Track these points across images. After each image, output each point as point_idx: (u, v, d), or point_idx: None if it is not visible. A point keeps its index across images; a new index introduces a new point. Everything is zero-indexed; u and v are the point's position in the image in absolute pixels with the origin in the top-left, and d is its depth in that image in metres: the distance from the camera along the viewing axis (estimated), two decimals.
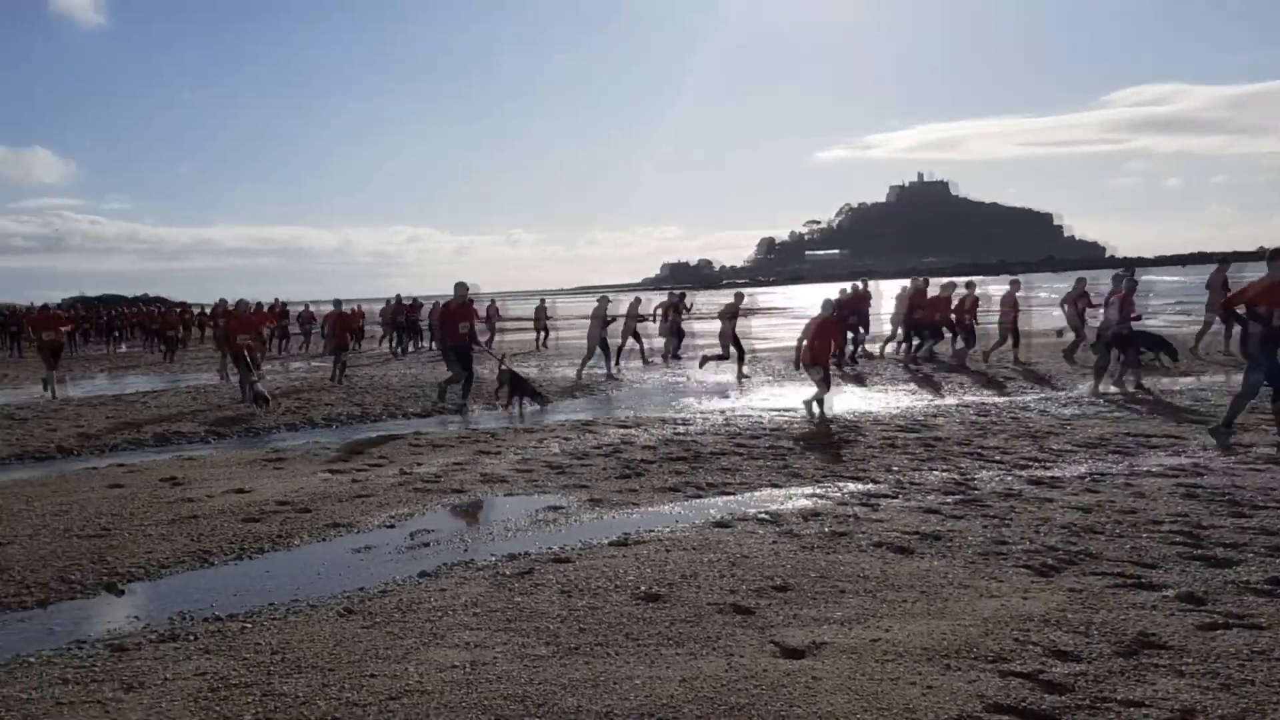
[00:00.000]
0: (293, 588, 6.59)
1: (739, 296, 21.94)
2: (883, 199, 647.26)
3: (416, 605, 5.94)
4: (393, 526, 8.21)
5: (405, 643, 5.31)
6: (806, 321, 14.87)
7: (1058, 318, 22.16)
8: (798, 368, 14.78)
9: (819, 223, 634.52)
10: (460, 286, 16.11)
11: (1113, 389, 14.80)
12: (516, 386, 15.80)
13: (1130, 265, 21.42)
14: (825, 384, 13.85)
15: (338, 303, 23.18)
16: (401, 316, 31.29)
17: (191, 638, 5.52)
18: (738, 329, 20.37)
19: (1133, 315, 15.21)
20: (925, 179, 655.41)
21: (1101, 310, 16.36)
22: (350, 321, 23.01)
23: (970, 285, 21.15)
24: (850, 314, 21.21)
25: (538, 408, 15.58)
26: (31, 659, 5.29)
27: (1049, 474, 9.08)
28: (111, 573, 7.00)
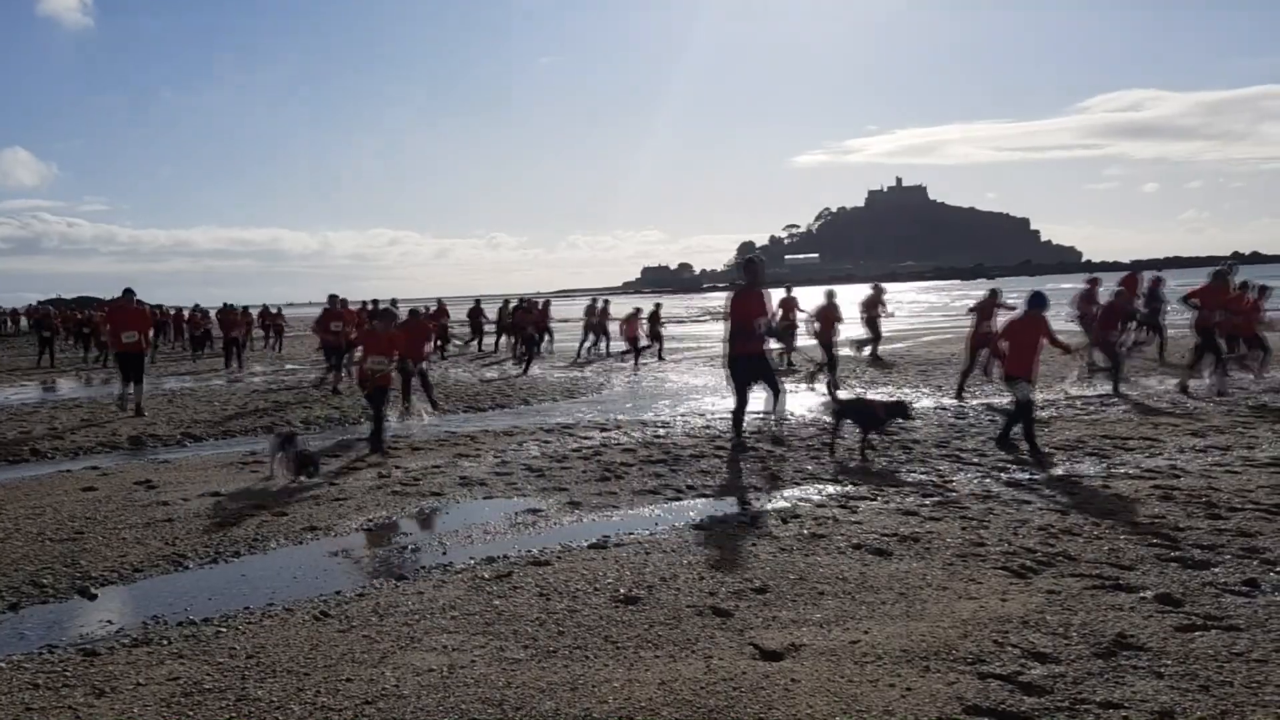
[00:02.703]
0: (268, 591, 6.53)
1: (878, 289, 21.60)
2: (861, 203, 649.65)
3: (393, 609, 5.89)
4: (370, 530, 8.16)
5: (381, 646, 5.27)
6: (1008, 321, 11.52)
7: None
8: (986, 374, 12.70)
9: (798, 227, 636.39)
10: (750, 265, 11.21)
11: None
12: (866, 420, 10.67)
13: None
14: (1028, 407, 10.49)
15: (414, 313, 17.26)
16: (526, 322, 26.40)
17: (164, 642, 5.46)
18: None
19: None
20: (903, 184, 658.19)
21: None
22: (423, 331, 17.37)
23: (1257, 289, 17.06)
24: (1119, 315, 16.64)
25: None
26: (1, 663, 5.22)
27: (1026, 476, 9.12)
28: (84, 576, 6.92)
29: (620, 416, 14.48)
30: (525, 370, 22.82)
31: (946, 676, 4.61)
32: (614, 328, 27.90)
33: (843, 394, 12.39)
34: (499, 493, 9.40)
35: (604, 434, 12.62)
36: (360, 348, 12.44)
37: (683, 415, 14.36)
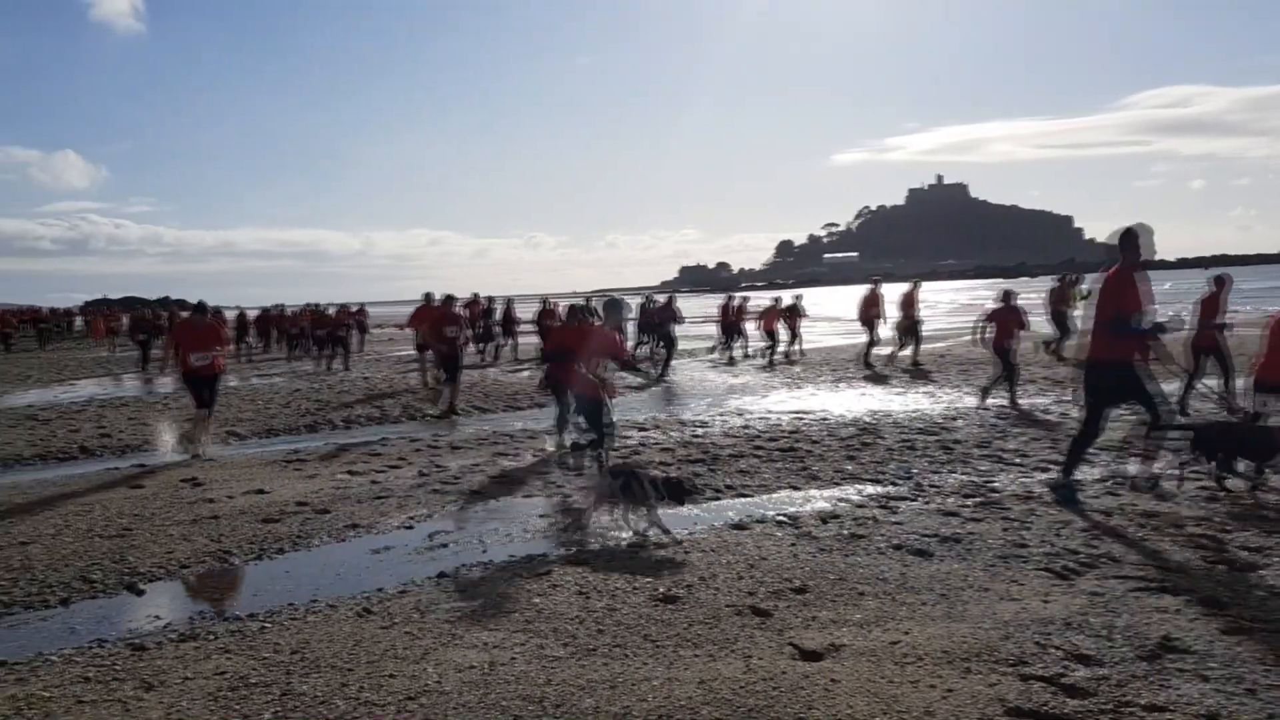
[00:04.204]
0: (311, 588, 6.61)
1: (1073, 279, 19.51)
2: (901, 202, 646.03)
3: (434, 606, 5.95)
4: (411, 528, 8.23)
5: (423, 643, 5.32)
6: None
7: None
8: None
9: (837, 226, 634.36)
10: (1129, 236, 7.98)
11: None
12: (1261, 451, 8.09)
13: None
14: None
15: (576, 310, 13.12)
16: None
17: (211, 637, 5.55)
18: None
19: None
20: (944, 182, 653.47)
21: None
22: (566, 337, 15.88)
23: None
24: None
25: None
26: (54, 657, 5.33)
27: (1070, 477, 9.00)
28: (132, 572, 7.04)
29: (658, 416, 14.49)
30: (663, 373, 20.81)
31: (988, 678, 4.58)
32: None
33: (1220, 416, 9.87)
34: (537, 491, 9.44)
35: (642, 433, 12.63)
36: (563, 350, 9.50)
37: (721, 415, 14.33)
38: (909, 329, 21.22)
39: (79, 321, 58.57)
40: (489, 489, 9.55)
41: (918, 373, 19.38)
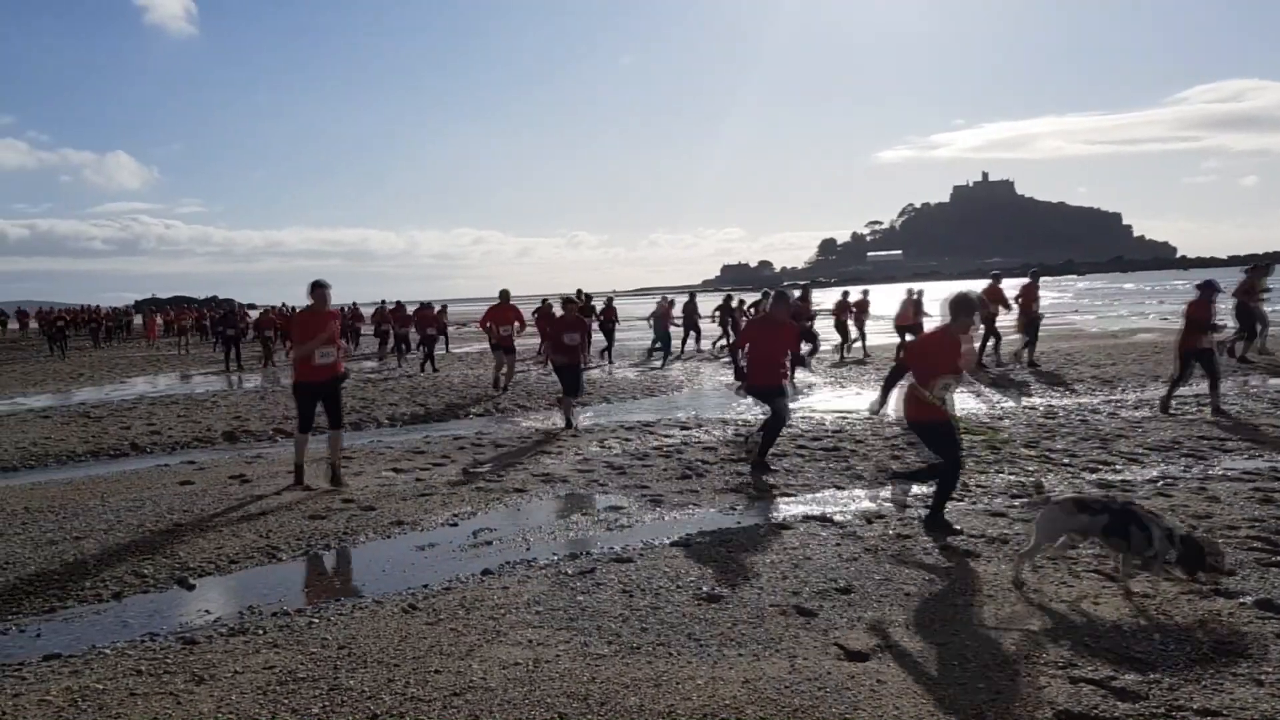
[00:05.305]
0: (358, 584, 6.68)
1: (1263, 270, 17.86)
2: (946, 199, 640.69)
3: (479, 603, 5.98)
4: (455, 525, 8.28)
5: (468, 640, 5.35)
6: None
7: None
8: None
9: (880, 224, 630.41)
10: None
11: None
12: None
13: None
14: None
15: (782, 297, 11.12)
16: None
17: (260, 631, 5.62)
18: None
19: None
20: (989, 179, 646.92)
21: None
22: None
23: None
24: None
25: None
26: (106, 650, 5.43)
27: (1118, 477, 8.90)
28: (183, 567, 7.15)
29: (701, 414, 14.47)
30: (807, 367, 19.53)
31: (1037, 680, 4.53)
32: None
33: None
34: (581, 489, 9.47)
35: (684, 432, 12.63)
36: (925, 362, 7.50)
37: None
38: (1029, 324, 20.05)
39: (137, 320, 58.66)
40: (533, 486, 9.59)
41: (1041, 374, 18.22)
